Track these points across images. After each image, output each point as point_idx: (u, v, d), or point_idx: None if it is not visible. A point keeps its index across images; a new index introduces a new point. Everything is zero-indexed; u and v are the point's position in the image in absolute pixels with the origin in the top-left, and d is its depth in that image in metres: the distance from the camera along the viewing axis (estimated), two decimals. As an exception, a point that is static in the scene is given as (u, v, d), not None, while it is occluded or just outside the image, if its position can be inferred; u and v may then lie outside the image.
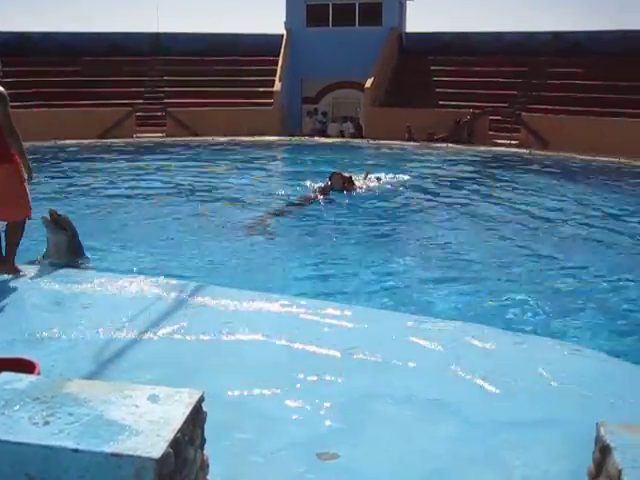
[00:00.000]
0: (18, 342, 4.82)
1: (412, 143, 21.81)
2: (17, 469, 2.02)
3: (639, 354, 5.59)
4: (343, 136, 25.22)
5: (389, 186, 13.82)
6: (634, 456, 2.07)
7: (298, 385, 4.24)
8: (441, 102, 25.20)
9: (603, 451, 2.20)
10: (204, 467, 2.45)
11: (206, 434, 2.53)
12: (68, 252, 7.01)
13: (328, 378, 4.33)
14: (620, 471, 1.99)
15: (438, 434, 3.73)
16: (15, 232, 6.33)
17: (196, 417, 2.34)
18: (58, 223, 6.99)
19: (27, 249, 7.04)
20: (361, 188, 13.16)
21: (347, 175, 13.07)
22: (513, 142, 22.53)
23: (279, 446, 3.52)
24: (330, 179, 12.79)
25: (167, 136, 24.03)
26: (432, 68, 27.87)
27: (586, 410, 3.93)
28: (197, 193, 13.42)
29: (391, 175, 14.69)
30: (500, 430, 3.77)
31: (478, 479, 3.35)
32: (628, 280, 7.82)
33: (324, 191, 12.29)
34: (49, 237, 7.00)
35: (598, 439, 2.28)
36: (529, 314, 6.53)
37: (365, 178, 13.90)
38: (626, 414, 3.92)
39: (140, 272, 7.01)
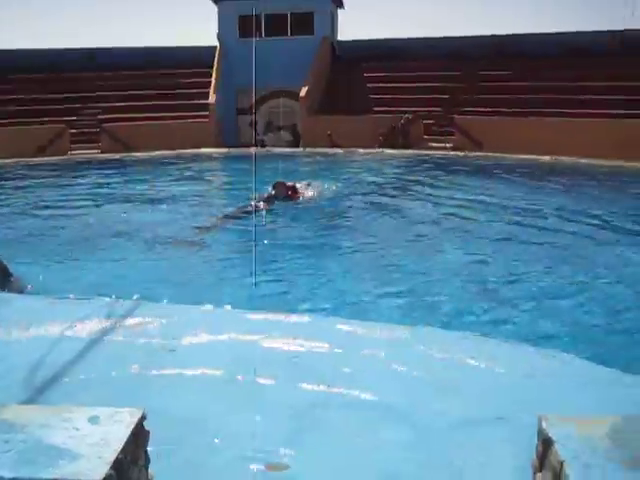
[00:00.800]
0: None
1: (342, 149, 21.94)
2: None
3: (575, 348, 5.74)
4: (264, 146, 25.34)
5: (330, 194, 13.90)
6: (575, 448, 2.10)
7: (243, 397, 4.19)
8: (376, 108, 25.49)
9: (545, 444, 2.24)
10: (149, 487, 2.40)
11: (151, 453, 2.48)
12: None
13: (275, 388, 4.29)
14: (562, 463, 2.02)
15: (388, 440, 3.73)
16: None
17: (138, 437, 2.29)
18: None
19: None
20: (304, 196, 13.14)
21: (290, 184, 13.03)
22: (448, 145, 22.94)
23: (227, 461, 3.47)
24: (273, 188, 12.68)
25: (102, 152, 23.68)
26: (365, 75, 28.21)
27: (532, 406, 3.99)
28: (134, 206, 13.24)
29: (330, 182, 14.78)
30: (449, 431, 3.79)
31: (430, 482, 3.37)
32: (551, 273, 8.05)
33: (267, 200, 12.22)
34: None
35: (540, 432, 2.31)
36: (470, 314, 6.63)
37: (308, 186, 13.91)
38: (572, 409, 4.00)
39: (77, 291, 6.86)
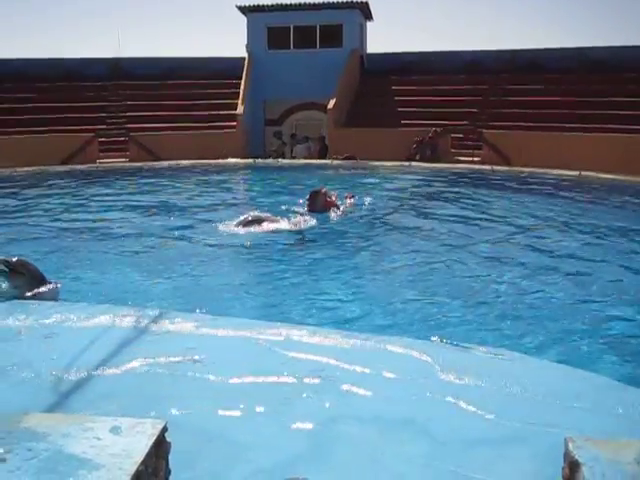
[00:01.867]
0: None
1: (370, 162, 21.89)
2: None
3: (604, 366, 5.66)
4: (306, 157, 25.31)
5: (365, 207, 13.69)
6: (602, 471, 2.06)
7: (264, 410, 4.18)
8: (403, 121, 25.48)
9: (572, 467, 2.19)
10: (169, 498, 2.39)
11: (171, 464, 2.48)
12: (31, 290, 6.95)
13: (295, 402, 4.27)
14: (589, 486, 1.98)
15: (406, 454, 3.69)
16: None
17: (159, 448, 2.29)
18: (13, 270, 6.95)
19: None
20: (340, 209, 12.51)
21: (327, 193, 12.32)
22: (475, 159, 22.84)
23: (246, 474, 3.45)
24: (310, 198, 11.98)
25: (130, 161, 23.92)
26: (393, 88, 28.25)
27: (554, 425, 3.93)
28: (163, 217, 13.33)
29: (365, 196, 14.68)
30: (468, 448, 3.75)
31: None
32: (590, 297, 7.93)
33: (303, 214, 11.57)
34: (9, 286, 6.93)
35: (566, 454, 2.27)
36: (492, 329, 6.57)
37: (349, 199, 13.35)
38: (595, 428, 3.93)
39: (104, 301, 6.92)
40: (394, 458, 3.66)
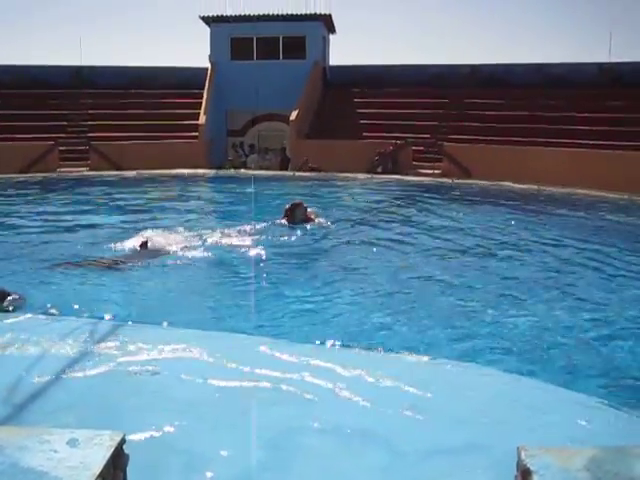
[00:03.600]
0: None
1: (331, 173, 21.91)
2: None
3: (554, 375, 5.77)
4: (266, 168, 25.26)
5: (332, 218, 13.68)
6: (553, 478, 2.12)
7: (224, 421, 4.18)
8: (365, 134, 25.66)
9: (524, 475, 2.25)
10: (127, 509, 2.38)
11: (131, 476, 2.47)
12: None
13: (255, 413, 4.28)
14: (540, 494, 2.03)
15: (366, 465, 3.73)
16: None
17: (117, 460, 2.28)
18: None
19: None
20: (317, 221, 12.67)
21: (305, 206, 12.56)
22: (436, 171, 23.08)
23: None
24: (289, 210, 12.26)
25: (91, 170, 23.66)
26: (356, 100, 28.44)
27: (506, 434, 4.01)
28: (124, 227, 13.19)
29: (328, 207, 14.72)
30: (426, 458, 3.80)
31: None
32: (540, 302, 8.07)
33: (283, 224, 11.87)
34: None
35: (519, 463, 2.32)
36: (447, 341, 6.65)
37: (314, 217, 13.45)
38: (544, 436, 4.02)
39: (62, 312, 6.84)
40: (353, 469, 3.69)
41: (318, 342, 6.18)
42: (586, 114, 23.34)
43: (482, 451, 3.86)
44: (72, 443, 2.29)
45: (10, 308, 6.92)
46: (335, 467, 3.72)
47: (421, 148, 24.37)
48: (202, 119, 26.36)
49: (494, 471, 3.52)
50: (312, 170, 22.43)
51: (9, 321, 6.19)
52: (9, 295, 7.10)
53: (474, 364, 5.59)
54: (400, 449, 3.89)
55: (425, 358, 5.64)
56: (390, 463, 3.75)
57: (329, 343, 6.12)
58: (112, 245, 10.76)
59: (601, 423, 4.40)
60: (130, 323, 6.19)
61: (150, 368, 4.95)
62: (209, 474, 3.57)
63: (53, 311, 6.96)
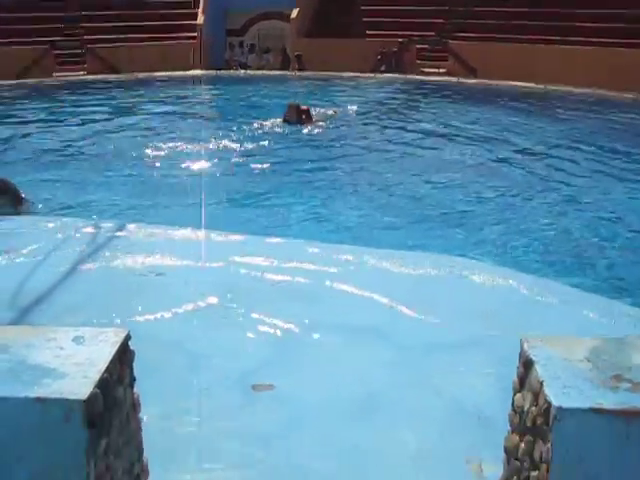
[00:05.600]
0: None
1: (333, 72, 21.43)
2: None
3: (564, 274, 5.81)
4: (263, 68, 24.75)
5: (335, 118, 13.51)
6: (555, 368, 2.13)
7: (229, 319, 4.22)
8: (369, 32, 24.94)
9: (526, 365, 2.27)
10: (135, 405, 2.42)
11: (136, 373, 2.50)
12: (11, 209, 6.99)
13: (260, 310, 4.32)
14: (542, 383, 2.05)
15: (370, 360, 3.79)
16: None
17: (123, 356, 2.30)
18: None
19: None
20: (318, 122, 12.58)
21: (304, 107, 12.47)
22: (441, 70, 22.57)
23: (213, 381, 3.52)
24: (288, 110, 12.20)
25: (88, 74, 23.19)
26: (358, -3, 27.46)
27: (509, 329, 4.05)
28: (126, 132, 13.06)
29: (330, 107, 14.49)
30: (430, 353, 3.86)
31: (411, 401, 3.43)
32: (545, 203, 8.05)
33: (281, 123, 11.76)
34: None
35: (521, 354, 2.34)
36: (458, 238, 6.67)
37: (330, 113, 13.29)
38: (547, 331, 4.06)
39: (69, 214, 6.86)
40: (358, 363, 3.75)
41: (325, 242, 6.18)
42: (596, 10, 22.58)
43: (485, 346, 3.92)
44: (77, 340, 2.31)
45: (24, 211, 7.02)
46: (340, 362, 3.77)
47: (425, 47, 23.74)
48: (200, 19, 25.63)
49: (497, 365, 3.57)
50: (302, 69, 21.98)
51: (13, 224, 6.19)
52: (24, 199, 7.16)
53: (479, 262, 5.61)
54: (405, 344, 3.94)
55: (432, 256, 5.65)
56: (395, 358, 3.81)
57: (336, 243, 6.13)
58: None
59: (604, 317, 4.44)
60: (135, 224, 6.19)
61: (155, 269, 4.98)
62: (214, 370, 3.63)
63: (57, 213, 6.98)
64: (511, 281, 5.01)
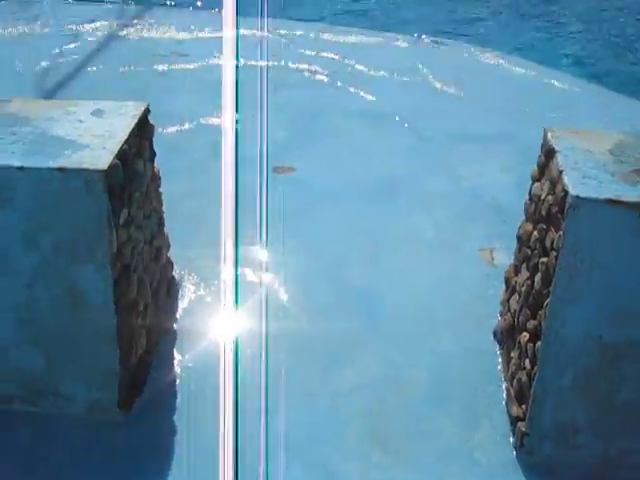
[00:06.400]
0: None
1: None
2: (-36, 191, 2.01)
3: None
4: None
5: None
6: (575, 158, 2.10)
7: (250, 101, 4.16)
8: None
9: (547, 154, 2.23)
10: (155, 179, 2.45)
11: (160, 155, 2.51)
12: None
13: (283, 92, 4.24)
14: (561, 172, 2.02)
15: (392, 146, 3.78)
16: None
17: (143, 129, 2.30)
18: None
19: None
20: None
21: None
22: None
23: (235, 162, 3.53)
24: None
25: None
26: None
27: (534, 123, 3.96)
28: None
29: None
30: (453, 143, 3.84)
31: (430, 189, 3.46)
32: None
33: None
34: None
35: (544, 143, 2.30)
36: (496, 28, 6.38)
37: None
38: (572, 126, 3.98)
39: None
40: (380, 148, 3.75)
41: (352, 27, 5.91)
42: None
43: (508, 138, 3.88)
44: (97, 114, 2.29)
45: None
46: (362, 147, 3.77)
47: None
48: None
49: (519, 159, 3.53)
50: None
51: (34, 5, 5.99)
52: None
53: (508, 55, 5.39)
54: (428, 133, 3.91)
55: (462, 46, 5.43)
56: (417, 145, 3.80)
57: (362, 29, 5.88)
58: None
59: (634, 116, 4.33)
60: (158, 6, 5.96)
61: (178, 51, 4.87)
62: (237, 153, 3.63)
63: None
64: (543, 77, 4.85)
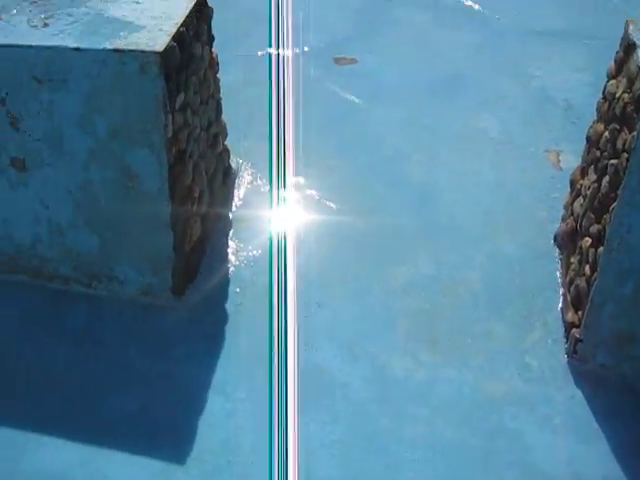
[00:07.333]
0: None
1: None
2: (23, 72, 1.98)
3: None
4: None
5: None
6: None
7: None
8: None
9: (627, 49, 2.08)
10: (213, 65, 2.39)
11: (219, 39, 2.44)
12: None
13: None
14: (640, 68, 1.89)
15: (459, 41, 3.61)
16: None
17: (201, 12, 2.22)
18: None
19: None
20: None
21: None
22: None
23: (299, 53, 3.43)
24: None
25: None
26: None
27: (620, 20, 3.71)
28: None
29: None
30: (525, 40, 3.63)
31: (497, 87, 3.31)
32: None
33: None
34: None
35: (624, 37, 2.14)
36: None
37: None
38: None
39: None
40: (445, 43, 3.58)
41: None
42: None
43: (586, 40, 3.64)
44: (155, -5, 2.23)
45: None
46: (427, 41, 3.60)
47: None
48: None
49: (595, 61, 3.31)
50: None
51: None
52: None
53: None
54: (497, 28, 3.71)
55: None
56: (486, 41, 3.62)
57: None
58: None
59: None
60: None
61: None
62: (299, 44, 3.53)
63: None
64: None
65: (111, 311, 2.21)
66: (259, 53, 3.45)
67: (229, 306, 2.24)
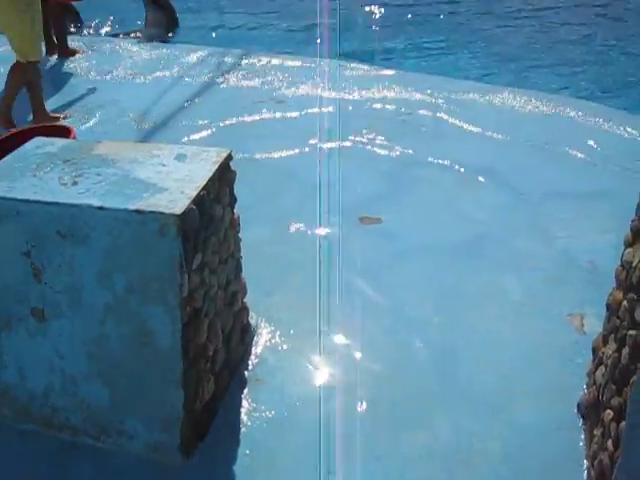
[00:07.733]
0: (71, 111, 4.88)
1: None
2: (49, 227, 2.06)
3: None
4: None
5: None
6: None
7: (341, 146, 4.17)
8: None
9: (643, 219, 2.09)
10: (234, 225, 2.45)
11: (249, 200, 2.52)
12: (165, 28, 7.17)
13: (373, 146, 4.23)
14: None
15: (483, 201, 3.66)
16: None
17: (223, 175, 2.30)
18: (156, 2, 7.15)
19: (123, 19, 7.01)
20: None
21: None
22: None
23: (322, 208, 3.52)
24: None
25: None
26: None
27: (636, 182, 3.76)
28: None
29: None
30: (548, 201, 3.68)
31: (520, 248, 3.32)
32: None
33: None
34: (147, 15, 7.12)
35: (639, 206, 2.15)
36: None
37: None
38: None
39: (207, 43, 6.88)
40: (469, 205, 3.64)
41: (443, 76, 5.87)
42: None
43: (607, 197, 3.68)
44: (180, 158, 2.32)
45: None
46: (451, 201, 3.68)
47: None
48: None
49: (621, 221, 3.33)
50: None
51: (150, 51, 6.27)
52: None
53: (604, 105, 5.17)
54: (520, 188, 3.77)
55: (554, 97, 5.26)
56: (508, 201, 3.67)
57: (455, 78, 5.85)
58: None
59: None
60: (257, 52, 6.13)
61: (277, 97, 4.95)
62: (324, 200, 3.62)
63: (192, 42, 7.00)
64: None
65: (118, 467, 2.17)
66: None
67: (237, 468, 2.17)
